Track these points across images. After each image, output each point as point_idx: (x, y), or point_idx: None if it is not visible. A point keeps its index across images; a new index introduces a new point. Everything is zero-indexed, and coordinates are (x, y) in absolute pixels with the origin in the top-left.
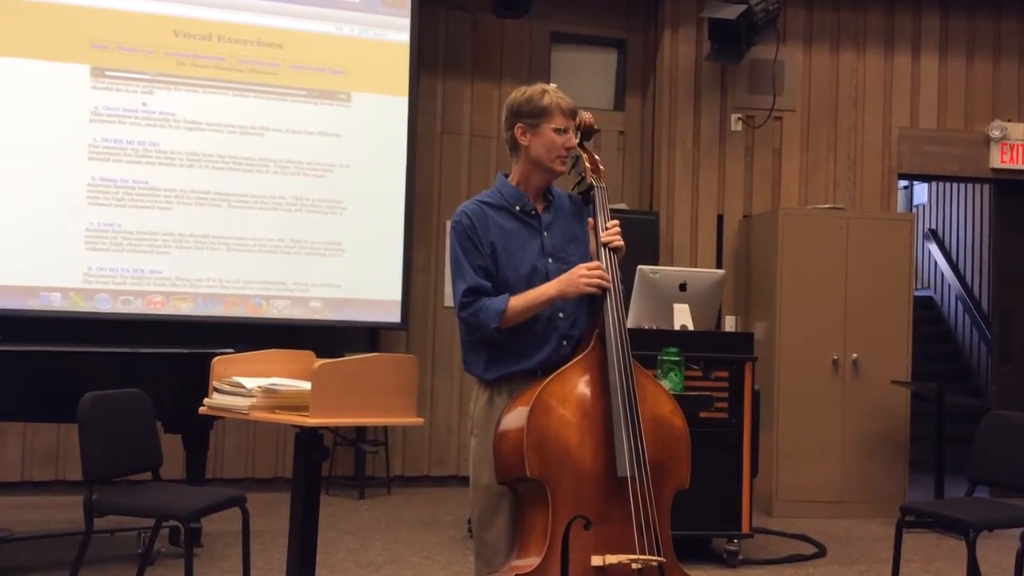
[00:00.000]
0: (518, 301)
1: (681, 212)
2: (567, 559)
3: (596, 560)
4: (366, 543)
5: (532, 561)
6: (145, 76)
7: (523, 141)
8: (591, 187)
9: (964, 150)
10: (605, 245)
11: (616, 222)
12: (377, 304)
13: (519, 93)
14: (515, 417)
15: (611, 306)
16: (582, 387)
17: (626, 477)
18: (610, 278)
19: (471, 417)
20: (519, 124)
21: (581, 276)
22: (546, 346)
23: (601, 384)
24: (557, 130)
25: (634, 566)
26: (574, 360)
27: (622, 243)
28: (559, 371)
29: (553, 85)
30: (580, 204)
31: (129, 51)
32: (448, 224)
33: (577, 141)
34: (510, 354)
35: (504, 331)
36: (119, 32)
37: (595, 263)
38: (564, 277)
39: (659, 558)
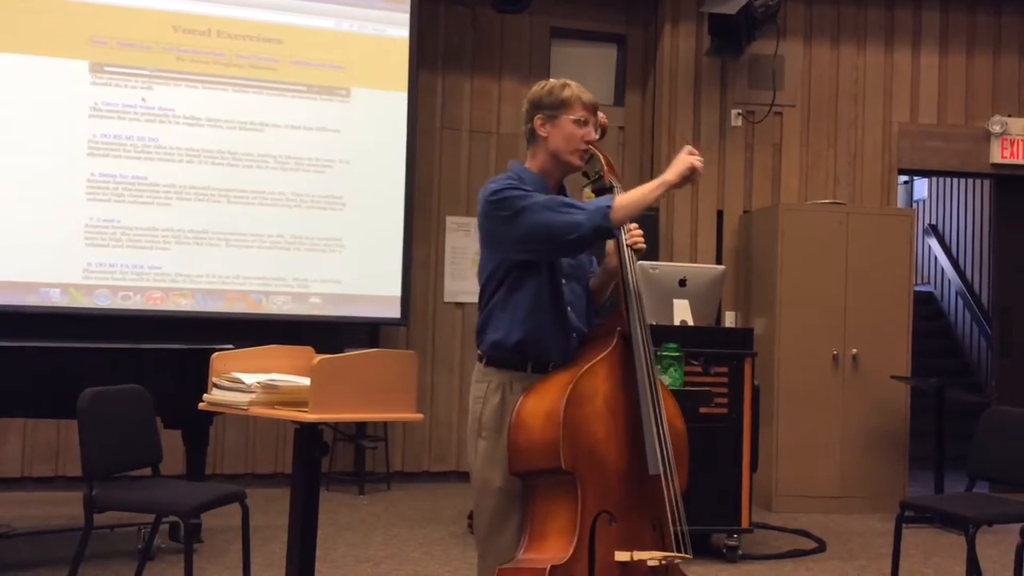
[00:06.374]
0: (624, 196)
1: (681, 208)
2: (594, 553)
3: (622, 556)
4: (366, 538)
5: (561, 554)
6: (144, 72)
7: (542, 132)
8: (611, 187)
9: (964, 145)
10: (630, 247)
11: (636, 223)
12: (377, 300)
13: (539, 87)
14: (544, 408)
15: (635, 306)
16: (610, 384)
17: (658, 475)
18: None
19: (477, 419)
20: (539, 115)
21: (691, 155)
22: (561, 340)
23: (623, 382)
24: (577, 121)
25: (650, 563)
26: (600, 356)
27: (644, 245)
28: (588, 366)
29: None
30: None
31: (128, 47)
32: (448, 218)
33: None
34: (532, 342)
35: (615, 230)
36: (118, 28)
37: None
38: (673, 165)
39: (686, 555)
